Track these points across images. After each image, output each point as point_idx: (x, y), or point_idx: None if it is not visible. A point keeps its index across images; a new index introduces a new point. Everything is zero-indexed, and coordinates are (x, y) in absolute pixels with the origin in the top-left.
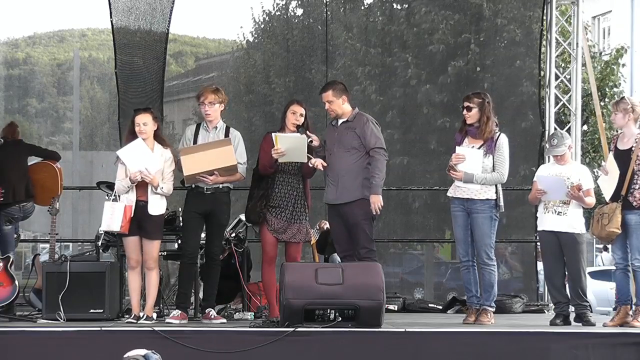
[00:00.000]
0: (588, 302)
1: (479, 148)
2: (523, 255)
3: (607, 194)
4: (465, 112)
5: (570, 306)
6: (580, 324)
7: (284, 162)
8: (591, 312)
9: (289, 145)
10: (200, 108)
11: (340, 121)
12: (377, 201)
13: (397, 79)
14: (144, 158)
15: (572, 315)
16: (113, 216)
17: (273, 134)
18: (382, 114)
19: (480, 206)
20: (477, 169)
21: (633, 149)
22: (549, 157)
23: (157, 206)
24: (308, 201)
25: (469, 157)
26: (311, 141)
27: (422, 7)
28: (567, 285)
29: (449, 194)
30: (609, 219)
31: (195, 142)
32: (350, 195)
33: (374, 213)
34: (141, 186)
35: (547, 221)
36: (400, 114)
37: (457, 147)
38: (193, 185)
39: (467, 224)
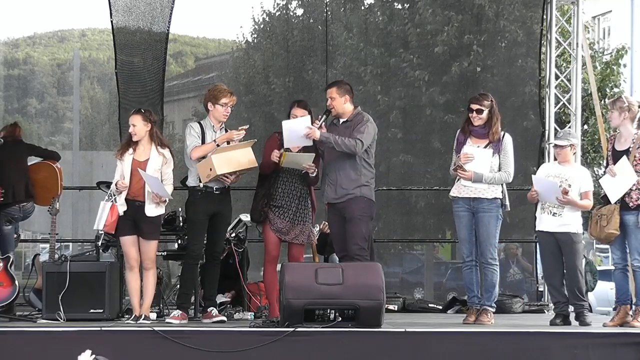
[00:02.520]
0: (586, 301)
1: (484, 148)
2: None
3: (613, 197)
4: (474, 114)
5: (569, 306)
6: (578, 323)
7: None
8: (590, 311)
9: (294, 160)
10: (218, 108)
11: (341, 121)
12: (314, 132)
13: (399, 79)
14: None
15: (572, 315)
16: (102, 215)
17: (283, 150)
18: (385, 114)
19: (487, 205)
20: (486, 169)
21: (630, 149)
22: (549, 154)
23: (154, 207)
24: (314, 203)
25: (478, 156)
26: (313, 172)
27: (427, 7)
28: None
29: (452, 194)
30: (608, 220)
31: (203, 140)
32: (348, 193)
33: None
34: (138, 186)
35: (543, 221)
36: (403, 113)
37: (465, 147)
38: (201, 185)
39: (472, 224)
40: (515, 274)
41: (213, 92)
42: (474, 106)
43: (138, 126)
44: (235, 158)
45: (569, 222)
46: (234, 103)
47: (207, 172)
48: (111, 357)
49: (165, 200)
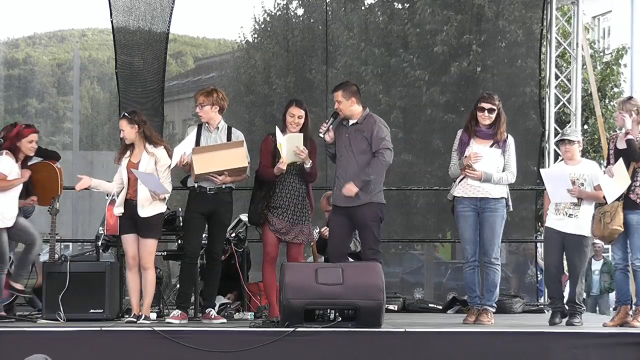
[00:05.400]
0: (582, 305)
1: (490, 148)
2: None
3: (610, 197)
4: (486, 113)
5: (565, 306)
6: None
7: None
8: (581, 313)
9: (289, 145)
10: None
11: (350, 122)
12: (352, 188)
13: (399, 79)
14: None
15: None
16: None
17: (278, 139)
18: (386, 114)
19: (494, 205)
20: (494, 169)
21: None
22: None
23: (146, 207)
24: (311, 202)
25: (487, 156)
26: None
27: (427, 7)
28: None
29: (455, 194)
30: (612, 217)
31: (198, 142)
32: (360, 199)
33: (344, 194)
34: (135, 187)
35: (556, 221)
36: (404, 113)
37: (474, 147)
38: (196, 185)
39: (477, 224)
40: (534, 275)
41: (194, 96)
42: (486, 105)
43: (126, 130)
44: (219, 158)
45: (583, 224)
46: (203, 102)
47: (193, 171)
48: (111, 357)
49: (165, 197)
